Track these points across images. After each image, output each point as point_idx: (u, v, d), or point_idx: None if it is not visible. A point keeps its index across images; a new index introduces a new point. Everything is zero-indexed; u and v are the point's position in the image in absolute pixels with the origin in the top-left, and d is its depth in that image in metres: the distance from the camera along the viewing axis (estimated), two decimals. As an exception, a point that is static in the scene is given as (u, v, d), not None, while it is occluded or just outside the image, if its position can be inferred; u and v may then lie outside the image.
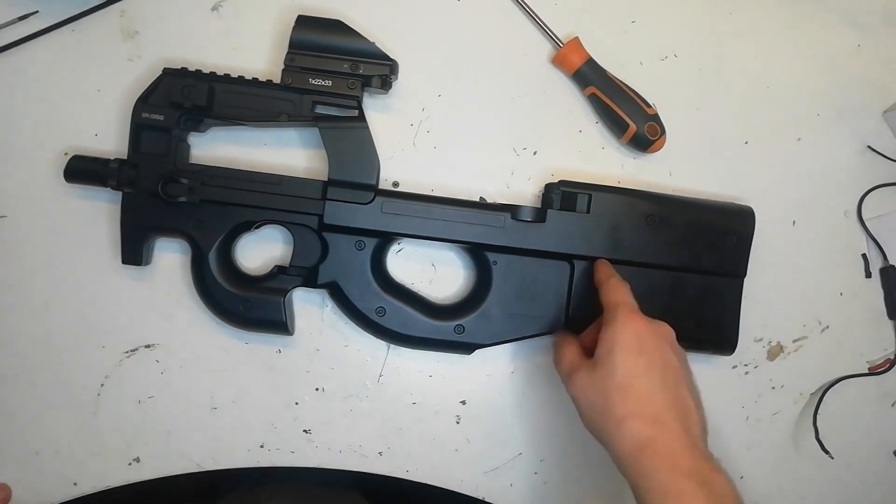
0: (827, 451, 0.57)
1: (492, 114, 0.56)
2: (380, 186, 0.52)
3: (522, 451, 0.57)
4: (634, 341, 0.46)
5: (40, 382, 0.54)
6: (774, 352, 0.59)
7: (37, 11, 0.53)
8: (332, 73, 0.50)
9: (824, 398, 0.58)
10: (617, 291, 0.49)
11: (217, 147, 0.54)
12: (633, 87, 0.55)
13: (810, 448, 0.58)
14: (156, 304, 0.54)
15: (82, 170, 0.50)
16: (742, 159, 0.58)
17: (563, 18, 0.56)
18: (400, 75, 0.54)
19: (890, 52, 0.60)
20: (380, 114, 0.55)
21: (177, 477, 0.54)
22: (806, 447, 0.59)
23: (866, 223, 0.59)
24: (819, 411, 0.58)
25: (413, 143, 0.56)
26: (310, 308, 0.55)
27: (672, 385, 0.45)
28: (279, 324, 0.51)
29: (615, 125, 0.55)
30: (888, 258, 0.59)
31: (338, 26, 0.51)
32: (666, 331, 0.48)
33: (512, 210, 0.52)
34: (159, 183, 0.49)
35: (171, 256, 0.54)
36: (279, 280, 0.52)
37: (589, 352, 0.49)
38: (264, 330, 0.53)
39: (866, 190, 0.59)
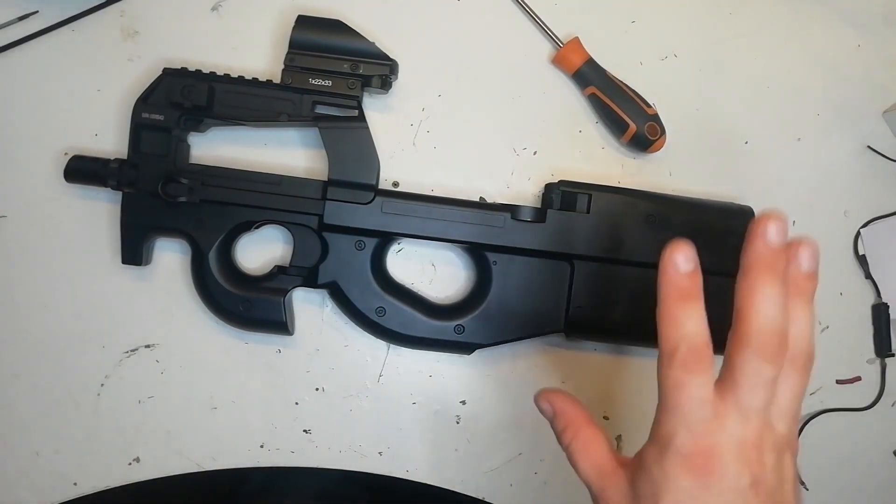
0: (802, 483, 0.58)
1: (492, 114, 0.56)
2: (380, 186, 0.52)
3: (522, 451, 0.57)
4: (690, 495, 0.32)
5: (40, 382, 0.54)
6: (774, 352, 0.59)
7: (37, 11, 0.53)
8: (332, 73, 0.50)
9: (806, 426, 0.58)
10: (680, 388, 0.33)
11: (217, 147, 0.54)
12: (633, 87, 0.55)
13: (805, 452, 0.58)
14: (156, 304, 0.54)
15: (82, 170, 0.50)
16: (742, 159, 0.58)
17: (563, 18, 0.56)
18: (400, 75, 0.54)
19: (890, 52, 0.60)
20: (380, 114, 0.55)
21: (177, 477, 0.55)
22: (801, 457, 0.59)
23: (862, 257, 0.59)
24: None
25: (413, 143, 0.56)
26: (310, 308, 0.55)
27: None
28: (279, 324, 0.51)
29: (615, 125, 0.55)
30: (881, 295, 0.59)
31: (338, 26, 0.51)
32: (747, 473, 0.32)
33: (512, 210, 0.52)
34: (159, 183, 0.49)
35: (171, 256, 0.54)
36: (279, 280, 0.52)
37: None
38: (264, 330, 0.53)
39: (863, 223, 0.59)
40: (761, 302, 0.33)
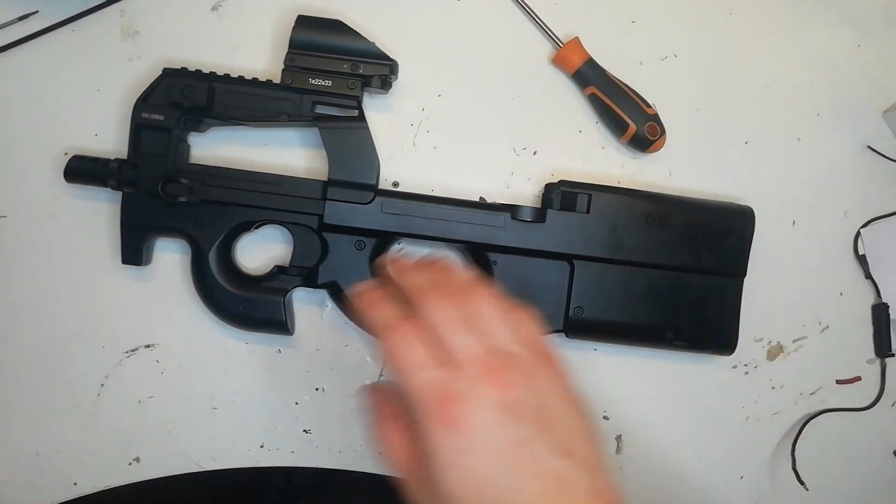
0: (802, 483, 0.57)
1: (492, 114, 0.56)
2: (380, 186, 0.52)
3: (522, 451, 0.57)
4: (454, 449, 0.32)
5: (40, 382, 0.54)
6: (774, 352, 0.59)
7: (37, 11, 0.53)
8: (332, 73, 0.50)
9: (806, 426, 0.58)
10: (398, 349, 0.35)
11: (217, 147, 0.54)
12: (633, 87, 0.55)
13: (805, 452, 0.58)
14: (156, 304, 0.54)
15: (82, 170, 0.50)
16: (742, 159, 0.58)
17: (563, 18, 0.56)
18: (400, 75, 0.54)
19: (890, 52, 0.60)
20: (380, 114, 0.55)
21: (177, 477, 0.55)
22: (800, 457, 0.59)
23: (862, 257, 0.59)
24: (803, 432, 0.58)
25: (413, 143, 0.56)
26: (310, 308, 0.55)
27: (519, 467, 0.32)
28: (279, 324, 0.51)
29: (615, 125, 0.55)
30: (881, 295, 0.59)
31: (338, 26, 0.51)
32: (484, 397, 0.32)
33: (512, 210, 0.52)
34: (159, 183, 0.49)
35: (171, 256, 0.54)
36: (279, 280, 0.52)
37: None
38: (264, 330, 0.53)
39: (863, 223, 0.59)
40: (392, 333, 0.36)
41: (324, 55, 0.50)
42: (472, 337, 0.34)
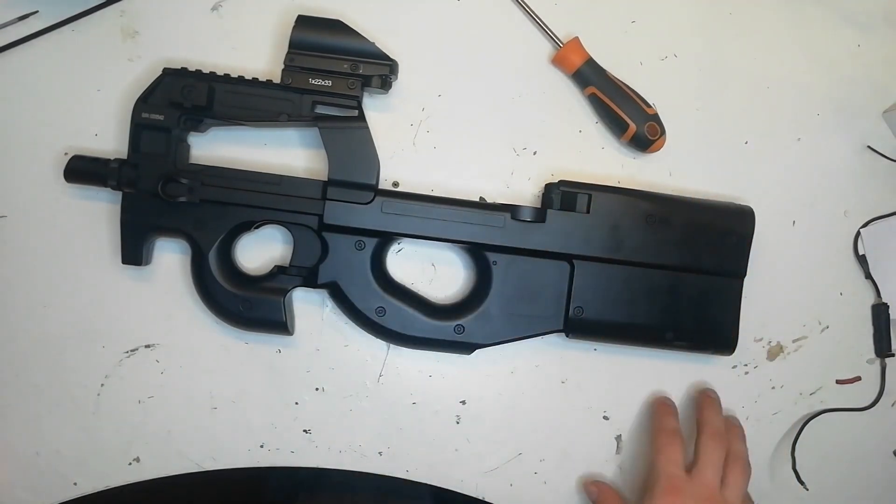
0: (802, 483, 0.57)
1: (492, 114, 0.56)
2: (380, 186, 0.52)
3: (522, 451, 0.57)
4: None
5: (40, 382, 0.54)
6: (774, 352, 0.59)
7: (37, 11, 0.53)
8: (332, 73, 0.50)
9: (806, 426, 0.58)
10: (668, 446, 0.52)
11: (217, 147, 0.54)
12: (633, 87, 0.55)
13: (805, 452, 0.58)
14: (156, 304, 0.54)
15: (82, 170, 0.50)
16: (742, 159, 0.58)
17: (563, 18, 0.56)
18: (400, 75, 0.54)
19: (890, 52, 0.60)
20: (380, 114, 0.55)
21: (177, 477, 0.55)
22: (800, 457, 0.59)
23: (862, 257, 0.59)
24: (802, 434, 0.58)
25: (413, 143, 0.56)
26: (310, 308, 0.55)
27: None
28: (279, 324, 0.51)
29: (615, 125, 0.55)
30: (881, 295, 0.59)
31: (338, 26, 0.51)
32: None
33: (512, 210, 0.52)
34: (159, 183, 0.49)
35: (171, 256, 0.54)
36: (279, 280, 0.52)
37: None
38: (264, 330, 0.53)
39: (863, 223, 0.59)
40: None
41: (324, 55, 0.50)
42: (718, 476, 0.51)
